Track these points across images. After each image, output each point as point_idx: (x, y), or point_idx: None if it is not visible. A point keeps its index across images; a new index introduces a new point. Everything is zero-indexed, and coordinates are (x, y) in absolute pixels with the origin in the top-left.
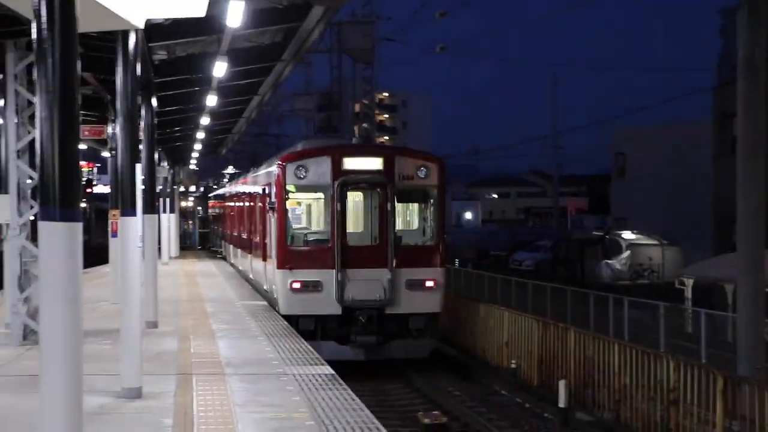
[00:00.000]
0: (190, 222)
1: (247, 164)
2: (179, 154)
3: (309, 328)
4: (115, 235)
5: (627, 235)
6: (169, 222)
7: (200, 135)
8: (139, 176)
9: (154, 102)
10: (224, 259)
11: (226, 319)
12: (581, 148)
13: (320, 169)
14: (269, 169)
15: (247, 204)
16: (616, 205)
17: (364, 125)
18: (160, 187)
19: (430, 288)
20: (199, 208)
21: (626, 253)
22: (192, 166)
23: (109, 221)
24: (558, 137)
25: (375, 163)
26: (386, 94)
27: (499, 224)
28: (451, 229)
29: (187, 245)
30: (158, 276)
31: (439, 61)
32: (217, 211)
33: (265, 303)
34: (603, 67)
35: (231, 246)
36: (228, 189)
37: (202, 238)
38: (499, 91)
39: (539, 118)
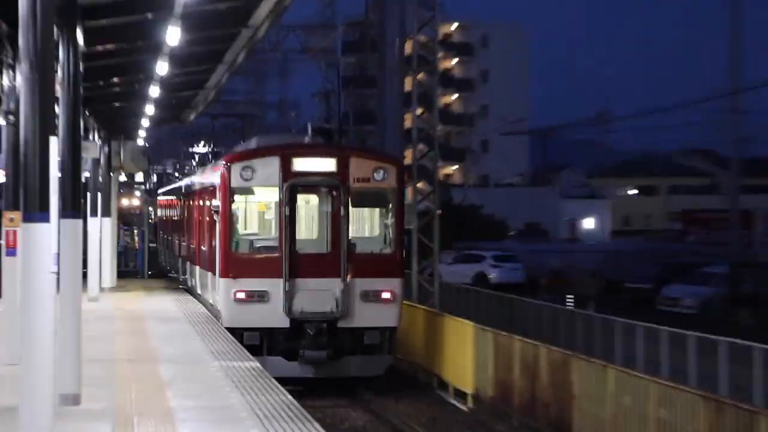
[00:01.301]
0: (136, 232)
1: (230, 141)
2: (120, 122)
3: (254, 343)
4: (12, 251)
5: None
6: (101, 232)
7: (154, 91)
8: (54, 157)
9: (79, 37)
10: (189, 291)
11: (193, 390)
12: None
13: (268, 170)
14: (214, 170)
15: (195, 208)
16: None
17: (420, 77)
18: (88, 174)
19: (386, 300)
20: (153, 209)
21: None
22: (140, 142)
23: (2, 230)
24: (740, 97)
25: (327, 164)
26: (456, 26)
27: (640, 237)
28: (557, 244)
29: (129, 269)
30: (83, 320)
31: None
32: (166, 214)
33: (257, 364)
34: None
35: (188, 264)
36: (182, 183)
37: (153, 258)
38: (635, 22)
39: (707, 67)
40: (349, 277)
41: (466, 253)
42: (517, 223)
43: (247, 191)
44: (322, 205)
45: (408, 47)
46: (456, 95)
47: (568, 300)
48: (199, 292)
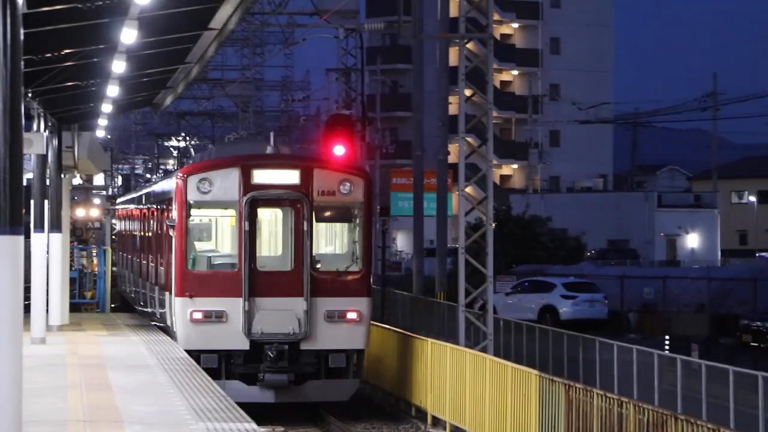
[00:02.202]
0: (95, 251)
1: (220, 130)
2: (74, 107)
3: (212, 366)
4: None
5: None
6: (48, 251)
7: (118, 66)
8: None
9: None
10: (165, 330)
11: None
12: None
13: (227, 182)
14: (169, 182)
15: (155, 221)
16: None
17: (469, 46)
18: (31, 175)
19: (352, 320)
20: (117, 222)
21: None
22: (101, 134)
23: None
24: None
25: (290, 177)
26: None
27: (761, 258)
28: (651, 268)
29: (86, 300)
30: (25, 368)
31: None
32: (130, 228)
33: (253, 426)
34: None
35: (156, 290)
36: (145, 191)
37: (118, 285)
38: None
39: None
40: (312, 296)
41: (530, 280)
42: (598, 240)
43: (205, 205)
44: (285, 220)
45: (453, 7)
46: (516, 71)
47: (665, 343)
48: (157, 314)
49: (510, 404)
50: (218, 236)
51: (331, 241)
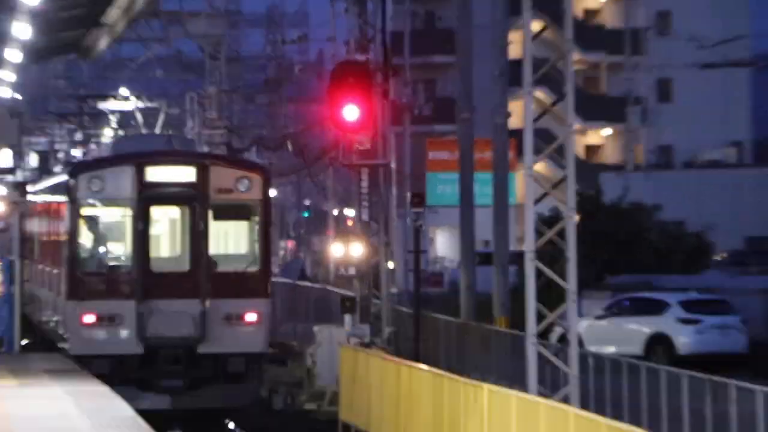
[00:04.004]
0: None
1: (179, 87)
2: None
3: (104, 372)
4: None
5: None
6: None
7: None
8: None
9: None
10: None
11: None
12: None
13: (119, 180)
14: (59, 180)
15: (45, 223)
16: None
17: (542, 27)
18: None
19: (251, 322)
20: (30, 220)
21: None
22: (5, 94)
23: None
24: None
25: (185, 174)
26: None
27: None
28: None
29: None
30: None
31: None
32: (43, 229)
33: None
34: None
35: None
36: (53, 181)
37: (30, 312)
38: None
39: None
40: (209, 297)
41: (632, 297)
42: (732, 237)
43: (97, 204)
44: (181, 219)
45: None
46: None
47: None
48: (48, 321)
49: None
50: (111, 236)
51: (229, 240)
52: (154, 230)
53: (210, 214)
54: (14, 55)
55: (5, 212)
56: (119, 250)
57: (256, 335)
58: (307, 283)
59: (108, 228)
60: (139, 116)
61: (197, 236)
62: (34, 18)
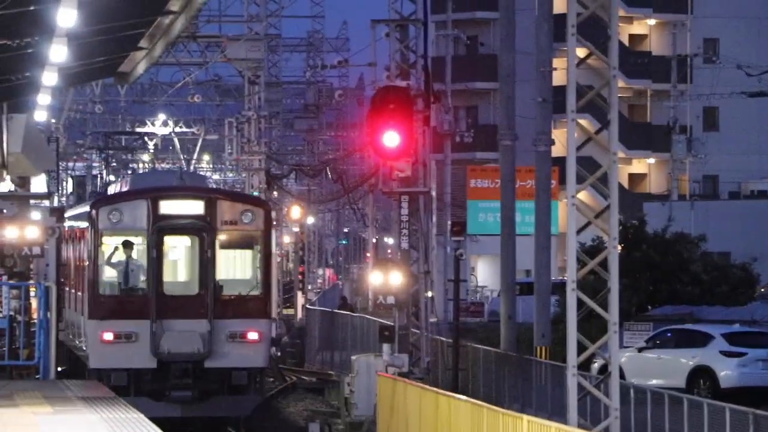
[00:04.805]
0: (34, 289)
1: (216, 112)
2: None
3: (121, 384)
4: None
5: None
6: None
7: (65, 17)
8: None
9: None
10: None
11: None
12: None
13: (136, 213)
14: (83, 211)
15: (73, 249)
16: None
17: (587, 54)
18: None
19: (253, 340)
20: (66, 246)
21: None
22: (40, 118)
23: None
24: None
25: (195, 207)
26: None
27: None
28: None
29: (20, 363)
30: None
31: None
32: (75, 255)
33: None
34: None
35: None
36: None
37: (66, 338)
38: None
39: None
40: (215, 318)
41: (675, 329)
42: None
43: (115, 233)
44: (190, 248)
45: None
46: (654, 20)
47: None
48: (74, 340)
49: None
50: (128, 263)
51: (234, 267)
52: (166, 257)
53: (217, 243)
54: (50, 78)
55: (41, 237)
56: (135, 274)
57: (258, 352)
58: (346, 312)
59: (126, 254)
60: (176, 141)
61: (205, 263)
62: (70, 40)
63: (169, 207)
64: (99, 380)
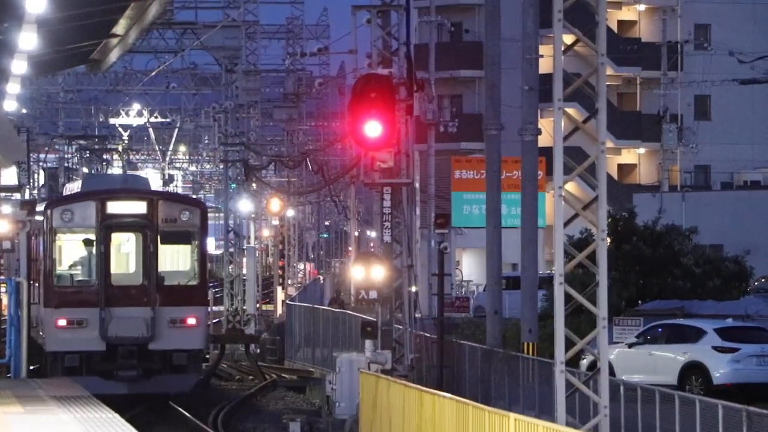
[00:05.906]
0: (4, 286)
1: (192, 101)
2: None
3: (74, 365)
4: None
5: None
6: None
7: (34, 2)
8: None
9: None
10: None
11: None
12: None
13: (86, 212)
14: (39, 212)
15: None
16: None
17: (574, 40)
18: None
19: (192, 325)
20: (36, 239)
21: None
22: (10, 107)
23: None
24: None
25: (138, 207)
26: None
27: None
28: None
29: None
30: None
31: None
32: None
33: None
34: None
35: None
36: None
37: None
38: None
39: None
40: (158, 305)
41: (666, 324)
42: None
43: (67, 231)
44: (135, 243)
45: None
46: (643, 6)
47: None
48: (35, 326)
49: None
50: (79, 257)
51: (174, 260)
52: (114, 252)
53: (158, 239)
54: (20, 67)
55: (11, 231)
56: (86, 267)
57: (196, 335)
58: (326, 307)
59: (77, 250)
60: (151, 132)
61: (148, 256)
62: (40, 27)
63: (115, 207)
64: (54, 362)
